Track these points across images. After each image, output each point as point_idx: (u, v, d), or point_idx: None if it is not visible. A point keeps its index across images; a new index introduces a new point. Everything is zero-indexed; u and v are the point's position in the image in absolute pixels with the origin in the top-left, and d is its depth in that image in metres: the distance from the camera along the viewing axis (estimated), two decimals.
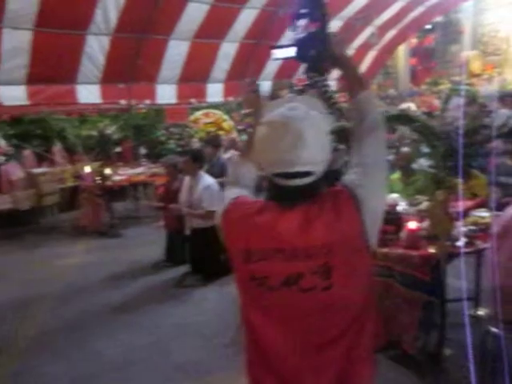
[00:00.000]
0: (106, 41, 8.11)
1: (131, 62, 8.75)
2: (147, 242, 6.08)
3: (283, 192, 1.27)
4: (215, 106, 10.34)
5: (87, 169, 6.48)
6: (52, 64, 7.65)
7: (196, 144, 8.50)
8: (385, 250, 3.04)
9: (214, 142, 6.62)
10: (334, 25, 11.17)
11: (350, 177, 1.29)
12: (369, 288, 1.31)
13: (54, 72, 7.81)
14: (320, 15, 1.49)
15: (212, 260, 4.66)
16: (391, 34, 13.05)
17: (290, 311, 1.27)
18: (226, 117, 10.03)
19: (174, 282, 4.68)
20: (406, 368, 2.91)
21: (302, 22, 1.53)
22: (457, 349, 2.84)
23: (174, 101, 9.80)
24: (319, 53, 1.44)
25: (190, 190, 4.67)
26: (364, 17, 11.31)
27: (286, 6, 9.69)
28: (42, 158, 7.82)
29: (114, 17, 7.79)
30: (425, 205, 3.32)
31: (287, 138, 1.21)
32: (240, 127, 10.12)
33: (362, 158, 1.30)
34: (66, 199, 7.21)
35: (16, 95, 7.71)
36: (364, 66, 13.81)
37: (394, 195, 3.63)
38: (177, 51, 9.15)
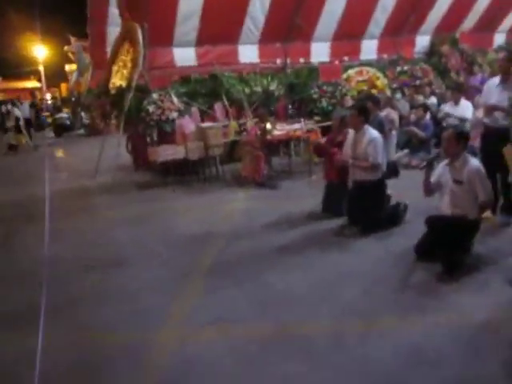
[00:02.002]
0: (267, 0, 8.37)
1: (289, 21, 8.94)
2: (302, 195, 6.36)
3: None
4: (368, 64, 10.02)
5: (250, 123, 6.93)
6: (219, 26, 8.23)
7: (350, 102, 8.42)
8: None
9: (373, 98, 6.51)
10: None
11: None
12: None
13: (219, 33, 8.41)
14: None
15: (372, 213, 4.70)
16: None
17: None
18: (379, 74, 9.68)
19: (333, 232, 4.84)
20: None
21: None
22: None
23: (327, 59, 9.82)
24: None
25: (355, 143, 4.72)
26: None
27: None
28: (205, 114, 8.55)
29: None
30: None
31: None
32: (394, 85, 9.71)
33: None
34: (227, 152, 7.84)
35: (187, 56, 8.53)
36: None
37: None
38: (334, 7, 9.06)
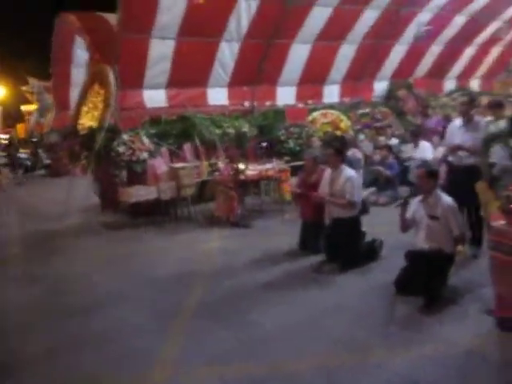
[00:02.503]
0: (236, 47, 8.74)
1: (257, 66, 9.31)
2: (277, 233, 6.44)
3: None
4: (331, 107, 10.51)
5: (222, 163, 7.04)
6: (189, 69, 8.46)
7: (316, 143, 8.74)
8: None
9: (341, 139, 6.81)
10: (460, 20, 10.80)
11: None
12: None
13: (189, 77, 8.62)
14: None
15: (350, 249, 4.83)
16: None
17: None
18: (343, 117, 10.15)
19: (313, 268, 4.91)
20: None
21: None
22: None
23: (292, 102, 10.24)
24: None
25: (332, 181, 4.90)
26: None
27: (408, 5, 9.60)
28: (174, 155, 8.59)
29: (245, 24, 8.37)
30: None
31: None
32: (357, 127, 10.19)
33: None
34: (198, 192, 7.87)
35: (157, 98, 8.65)
36: (487, 63, 13.10)
37: None
38: (299, 54, 9.56)
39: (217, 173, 7.39)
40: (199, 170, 7.67)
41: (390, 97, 11.36)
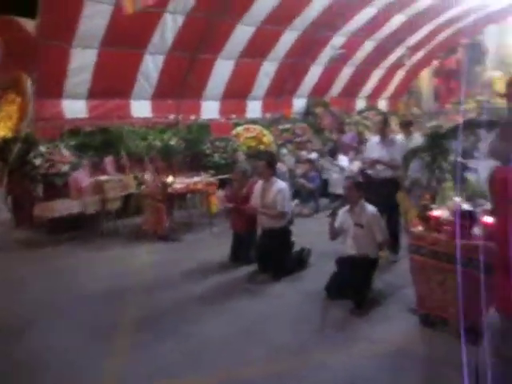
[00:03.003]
0: (160, 59, 8.69)
1: (181, 80, 9.32)
2: (207, 246, 6.48)
3: None
4: (254, 121, 10.80)
5: (151, 176, 6.93)
6: (111, 80, 8.22)
7: (242, 157, 8.96)
8: (463, 241, 3.39)
9: (270, 154, 7.08)
10: (369, 46, 11.75)
11: None
12: None
13: (112, 88, 8.38)
14: None
15: (281, 258, 5.03)
16: (419, 55, 13.54)
17: None
18: (265, 132, 10.49)
19: (246, 279, 5.03)
20: None
21: None
22: None
23: (217, 116, 10.36)
24: None
25: (263, 192, 5.08)
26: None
27: (324, 29, 10.27)
28: (94, 168, 8.28)
29: (170, 37, 8.37)
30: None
31: None
32: (279, 141, 10.58)
33: None
34: (123, 206, 7.66)
35: (77, 109, 8.28)
36: (393, 86, 14.34)
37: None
38: (223, 70, 9.72)
39: (143, 186, 7.25)
40: (124, 183, 7.46)
41: (308, 113, 11.96)
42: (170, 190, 6.86)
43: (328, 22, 9.95)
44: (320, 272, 4.88)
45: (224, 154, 9.50)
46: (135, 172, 7.91)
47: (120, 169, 8.37)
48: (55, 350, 3.61)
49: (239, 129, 10.37)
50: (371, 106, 13.69)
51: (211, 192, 7.66)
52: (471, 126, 3.84)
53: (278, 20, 9.25)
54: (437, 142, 3.87)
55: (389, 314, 3.96)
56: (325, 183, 8.81)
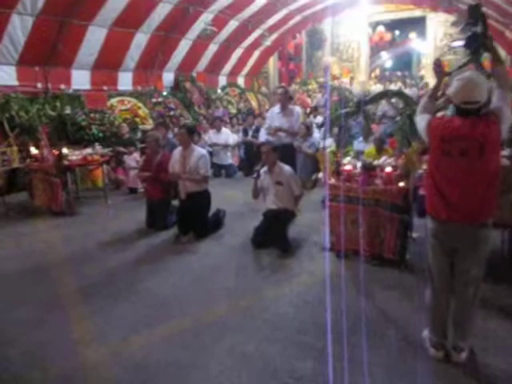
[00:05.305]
0: (29, 22, 7.94)
1: (51, 46, 8.66)
2: (110, 218, 6.40)
3: (464, 111, 2.59)
4: (128, 94, 10.59)
5: (35, 150, 6.43)
6: None
7: (125, 129, 8.84)
8: (371, 187, 4.36)
9: (163, 124, 7.26)
10: (233, 25, 12.41)
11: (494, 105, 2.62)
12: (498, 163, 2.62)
13: None
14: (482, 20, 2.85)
15: (203, 219, 5.43)
16: (273, 37, 14.79)
17: (459, 172, 2.57)
18: (140, 104, 10.41)
19: (172, 241, 5.28)
20: (386, 268, 4.24)
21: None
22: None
23: (88, 87, 9.88)
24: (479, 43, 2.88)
25: (184, 159, 5.33)
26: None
27: (196, 4, 10.56)
28: None
29: None
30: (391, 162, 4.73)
31: (474, 86, 2.54)
32: (154, 114, 10.62)
33: (498, 100, 2.62)
34: (7, 181, 6.96)
35: None
36: (249, 65, 15.36)
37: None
38: (95, 38, 9.31)
39: (32, 159, 6.71)
40: (8, 157, 6.78)
41: (177, 88, 12.15)
42: (65, 162, 6.54)
43: None
44: (235, 229, 5.48)
45: (102, 127, 9.18)
46: (19, 144, 7.15)
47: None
48: (16, 324, 3.47)
49: (113, 101, 10.08)
50: (232, 83, 14.51)
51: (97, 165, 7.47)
52: (385, 95, 4.86)
53: None
54: (361, 108, 4.75)
55: (311, 253, 4.76)
56: (211, 154, 9.29)
